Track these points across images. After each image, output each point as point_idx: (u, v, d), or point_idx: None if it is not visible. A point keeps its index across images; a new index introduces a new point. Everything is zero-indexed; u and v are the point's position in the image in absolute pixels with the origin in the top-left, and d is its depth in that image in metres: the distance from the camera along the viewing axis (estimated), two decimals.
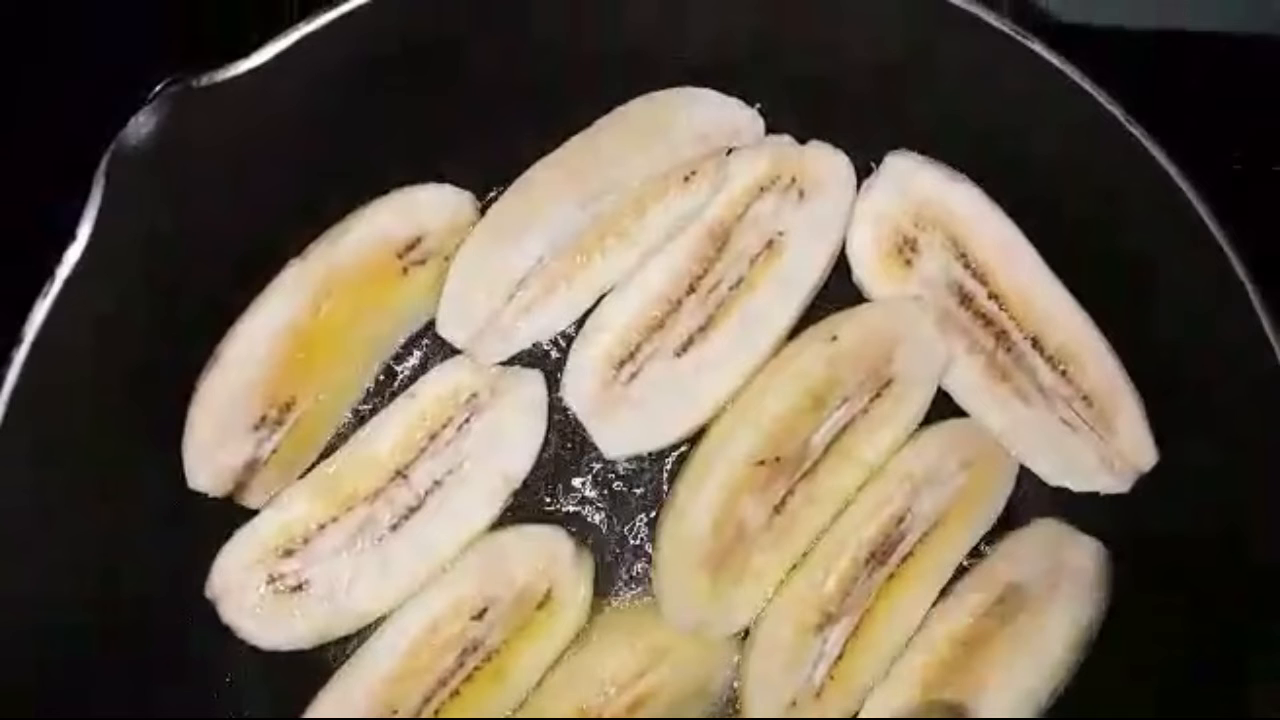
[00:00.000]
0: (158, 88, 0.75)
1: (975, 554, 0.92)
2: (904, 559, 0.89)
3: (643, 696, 0.88)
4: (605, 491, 0.95)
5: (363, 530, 0.88)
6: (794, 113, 0.92)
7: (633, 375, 0.90)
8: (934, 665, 0.89)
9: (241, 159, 0.82)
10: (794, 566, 0.89)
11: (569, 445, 0.95)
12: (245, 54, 0.77)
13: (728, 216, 0.92)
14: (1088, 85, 0.80)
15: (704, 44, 0.89)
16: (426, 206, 0.90)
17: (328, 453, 0.91)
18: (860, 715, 0.89)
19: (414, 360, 0.95)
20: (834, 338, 0.89)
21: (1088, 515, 0.91)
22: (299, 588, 0.88)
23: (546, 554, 0.89)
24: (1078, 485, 0.90)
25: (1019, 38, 0.80)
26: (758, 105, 0.92)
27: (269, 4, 0.88)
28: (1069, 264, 0.89)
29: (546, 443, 0.92)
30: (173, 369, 0.86)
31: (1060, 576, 0.89)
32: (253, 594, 0.87)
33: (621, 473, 0.95)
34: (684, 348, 0.90)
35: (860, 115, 0.91)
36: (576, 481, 0.95)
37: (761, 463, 0.88)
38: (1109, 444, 0.89)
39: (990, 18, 0.81)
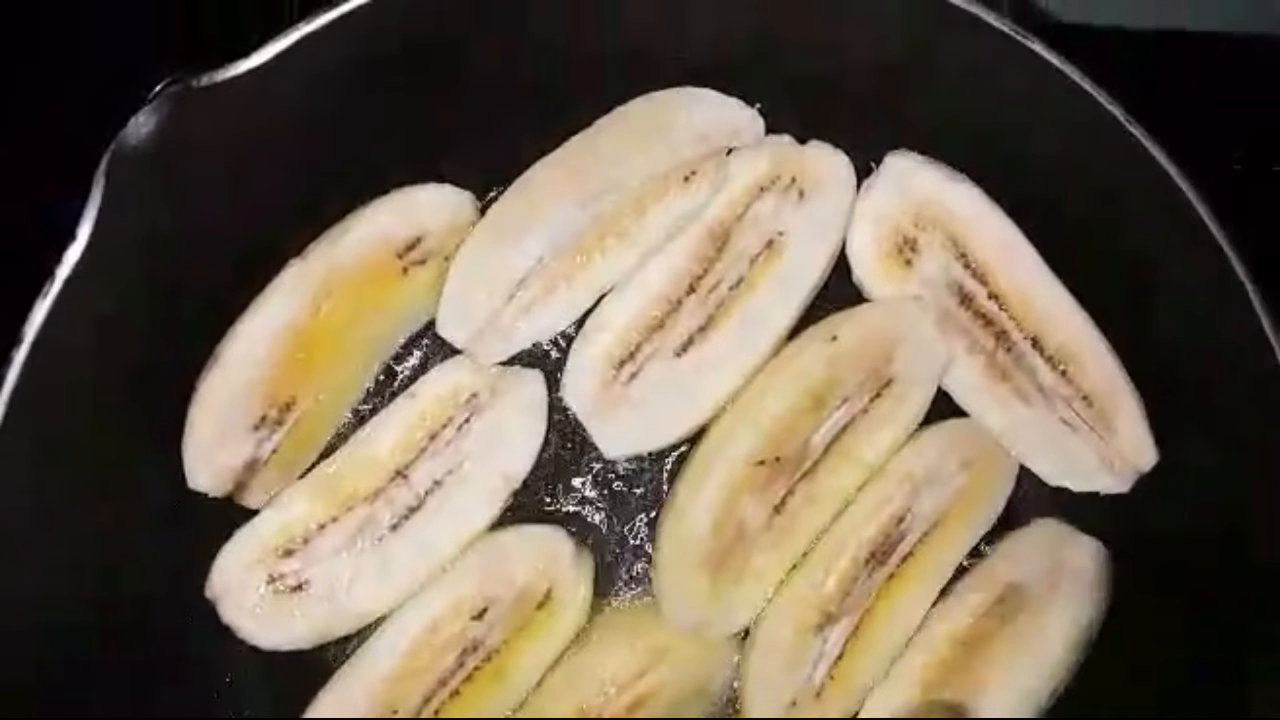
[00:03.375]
0: (158, 88, 0.75)
1: (975, 554, 0.92)
2: (904, 559, 0.89)
3: (643, 696, 0.88)
4: (605, 491, 0.95)
5: (363, 530, 0.88)
6: (794, 113, 0.92)
7: (633, 375, 0.90)
8: (934, 665, 0.89)
9: (241, 159, 0.82)
10: (794, 566, 0.89)
11: (569, 445, 0.95)
12: (245, 54, 0.77)
13: (728, 216, 0.92)
14: (1088, 85, 0.80)
15: (704, 44, 0.89)
16: (426, 206, 0.90)
17: (328, 453, 0.91)
18: (860, 715, 0.89)
19: (414, 360, 0.95)
20: (834, 338, 0.89)
21: (1088, 515, 0.91)
22: (299, 588, 0.88)
23: (546, 554, 0.89)
24: (1078, 485, 0.90)
25: (1019, 38, 0.80)
26: (758, 105, 0.92)
27: (269, 4, 0.88)
28: (1069, 264, 0.89)
29: (546, 443, 0.92)
30: (173, 369, 0.86)
31: (1060, 576, 0.89)
32: (253, 594, 0.87)
33: (621, 473, 0.95)
34: (684, 348, 0.90)
35: (860, 115, 0.91)
36: (576, 481, 0.95)
37: (761, 463, 0.88)
38: (1109, 444, 0.89)
39: (990, 18, 0.81)
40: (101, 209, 0.75)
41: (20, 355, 0.76)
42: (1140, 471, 0.89)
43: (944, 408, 0.92)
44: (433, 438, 0.89)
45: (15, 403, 0.76)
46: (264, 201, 0.86)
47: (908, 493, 0.89)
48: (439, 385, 0.90)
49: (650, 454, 0.94)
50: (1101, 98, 0.80)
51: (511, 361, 0.92)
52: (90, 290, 0.77)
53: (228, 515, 0.88)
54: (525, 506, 0.93)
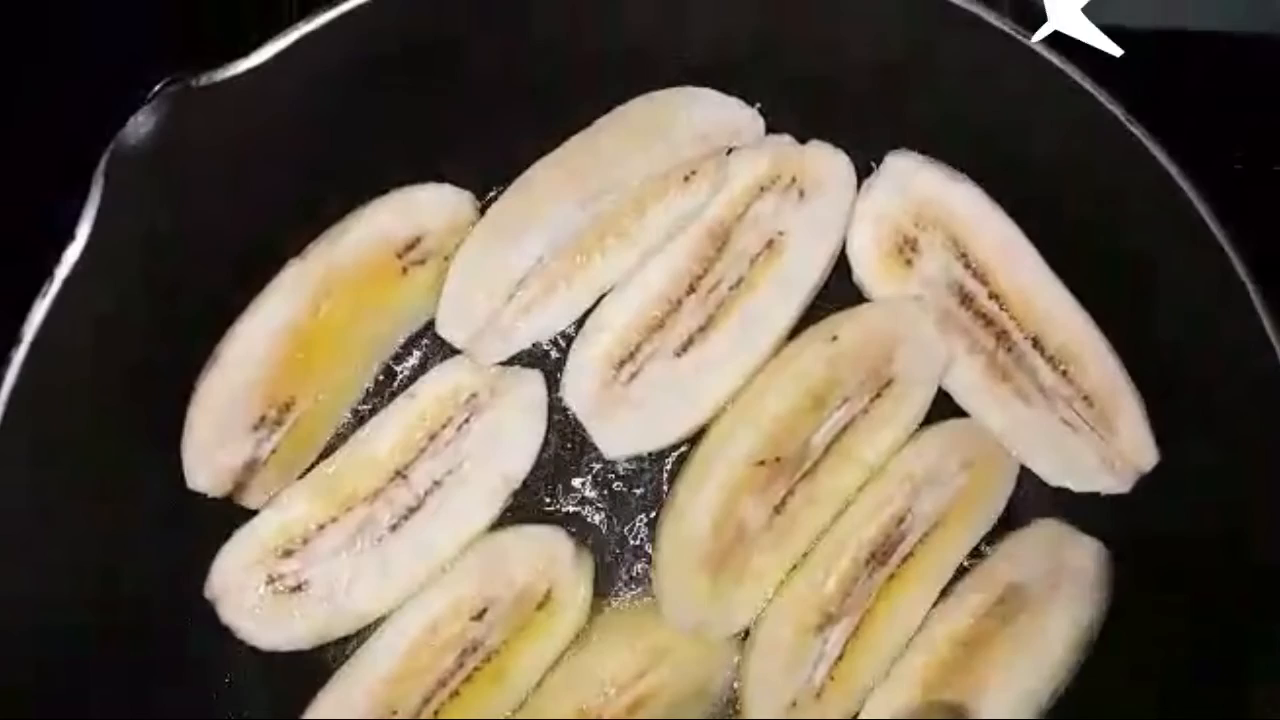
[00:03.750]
0: (157, 88, 0.75)
1: (976, 554, 0.92)
2: (904, 559, 0.89)
3: (643, 697, 0.88)
4: (605, 491, 0.95)
5: (362, 530, 0.88)
6: (794, 113, 0.92)
7: (633, 375, 0.90)
8: (934, 666, 0.89)
9: (241, 159, 0.82)
10: (794, 567, 0.89)
11: (569, 445, 0.95)
12: (245, 54, 0.77)
13: (728, 216, 0.92)
14: (1088, 85, 0.80)
15: (704, 44, 0.89)
16: (426, 206, 0.90)
17: (327, 453, 0.91)
18: (860, 716, 0.89)
19: (414, 360, 0.95)
20: (834, 338, 0.89)
21: (1088, 515, 0.91)
22: (298, 588, 0.87)
23: (546, 554, 0.89)
24: (1078, 485, 0.90)
25: (1019, 38, 0.81)
26: (758, 105, 0.92)
27: (269, 4, 0.88)
28: (1069, 264, 0.89)
29: (546, 443, 0.92)
30: (173, 369, 0.86)
31: (1061, 577, 0.89)
32: (252, 594, 0.87)
33: (621, 473, 0.95)
34: (684, 348, 0.90)
35: (860, 115, 0.91)
36: (576, 481, 0.95)
37: (761, 463, 0.88)
38: (1110, 444, 0.89)
39: (990, 18, 0.81)
40: (101, 209, 0.75)
41: (20, 355, 0.76)
42: (1141, 472, 0.89)
43: (944, 408, 0.92)
44: (432, 438, 0.89)
45: (15, 403, 0.75)
46: (264, 201, 0.86)
47: (908, 493, 0.89)
48: (439, 385, 0.90)
49: (650, 454, 0.94)
50: (1102, 98, 0.80)
51: (511, 361, 0.91)
52: (90, 290, 0.77)
53: (227, 515, 0.88)
54: (525, 506, 0.93)
